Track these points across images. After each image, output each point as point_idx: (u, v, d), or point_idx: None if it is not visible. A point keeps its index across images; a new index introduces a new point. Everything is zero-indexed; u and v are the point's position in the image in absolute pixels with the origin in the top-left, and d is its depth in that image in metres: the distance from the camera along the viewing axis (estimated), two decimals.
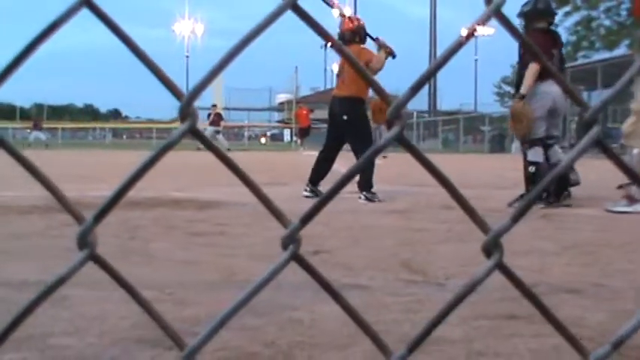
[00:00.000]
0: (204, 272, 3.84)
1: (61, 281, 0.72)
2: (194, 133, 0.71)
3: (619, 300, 3.26)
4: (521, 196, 7.47)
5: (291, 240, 0.75)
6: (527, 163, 7.65)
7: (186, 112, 0.70)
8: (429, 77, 0.77)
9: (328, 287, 0.77)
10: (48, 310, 2.69)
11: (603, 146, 0.77)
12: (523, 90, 7.50)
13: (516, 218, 0.75)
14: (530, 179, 7.52)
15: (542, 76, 7.33)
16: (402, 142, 0.74)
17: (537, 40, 7.51)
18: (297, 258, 0.75)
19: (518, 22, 8.05)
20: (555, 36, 8.22)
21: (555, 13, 8.62)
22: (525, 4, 8.01)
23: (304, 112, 40.76)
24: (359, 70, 0.77)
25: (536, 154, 7.53)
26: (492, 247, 0.76)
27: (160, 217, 6.27)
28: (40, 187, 0.78)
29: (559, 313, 2.93)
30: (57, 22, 0.67)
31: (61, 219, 5.41)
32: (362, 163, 0.78)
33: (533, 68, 7.32)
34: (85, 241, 0.73)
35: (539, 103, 7.54)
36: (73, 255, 0.78)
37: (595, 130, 0.76)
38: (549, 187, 7.21)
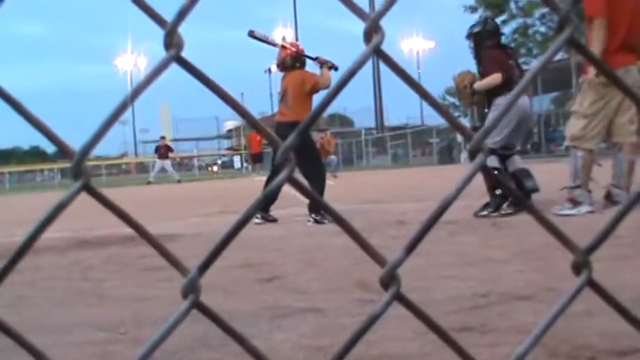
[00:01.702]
0: (159, 308, 3.79)
1: None
2: (88, 190, 0.71)
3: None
4: (486, 204, 7.57)
5: (191, 289, 0.75)
6: (487, 171, 7.74)
7: (78, 171, 0.69)
8: (322, 109, 0.77)
9: (234, 334, 0.76)
10: None
11: (487, 170, 0.79)
12: (476, 85, 7.87)
13: (410, 249, 0.76)
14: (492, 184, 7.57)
15: (506, 88, 7.56)
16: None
17: (495, 55, 7.87)
18: (199, 306, 0.74)
19: (467, 44, 8.32)
20: (508, 49, 8.70)
21: (502, 32, 8.95)
22: (473, 25, 8.35)
23: (257, 138, 40.77)
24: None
25: (492, 161, 7.61)
26: (389, 280, 0.76)
27: (112, 255, 6.20)
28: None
29: (511, 321, 2.95)
30: (155, 72, 0.67)
31: None
32: (258, 201, 0.78)
33: (496, 78, 7.63)
34: None
35: (506, 117, 7.66)
36: None
37: (480, 159, 0.77)
38: (508, 196, 7.32)
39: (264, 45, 8.99)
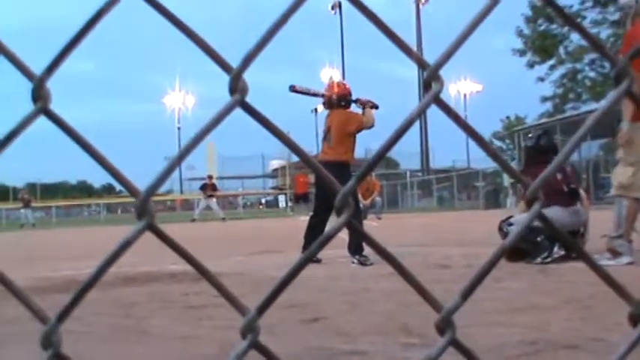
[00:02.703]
0: (201, 346, 3.80)
1: None
2: (152, 229, 0.72)
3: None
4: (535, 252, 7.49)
5: (249, 329, 0.75)
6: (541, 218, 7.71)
7: (143, 210, 0.70)
8: (381, 156, 0.78)
9: None
10: None
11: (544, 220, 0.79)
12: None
13: (466, 294, 0.76)
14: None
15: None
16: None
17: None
18: (258, 347, 0.75)
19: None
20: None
21: (558, 150, 8.66)
22: (529, 137, 8.35)
23: (302, 179, 40.95)
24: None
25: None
26: (445, 325, 0.76)
27: (155, 292, 6.23)
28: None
29: None
30: (215, 121, 0.69)
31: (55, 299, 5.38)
32: (320, 243, 0.79)
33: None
34: (49, 341, 0.72)
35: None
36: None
37: (536, 207, 0.77)
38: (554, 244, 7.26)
39: (308, 97, 9.07)
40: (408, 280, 0.76)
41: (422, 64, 0.74)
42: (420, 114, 0.74)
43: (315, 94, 9.12)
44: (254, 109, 0.70)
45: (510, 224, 7.81)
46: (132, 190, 0.72)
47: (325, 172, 0.78)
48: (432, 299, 0.76)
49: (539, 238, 7.33)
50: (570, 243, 0.96)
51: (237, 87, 0.70)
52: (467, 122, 0.76)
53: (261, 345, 0.74)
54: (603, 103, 0.87)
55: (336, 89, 9.06)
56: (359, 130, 8.78)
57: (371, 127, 8.76)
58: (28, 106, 0.69)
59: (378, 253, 0.78)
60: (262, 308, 0.74)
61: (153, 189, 0.71)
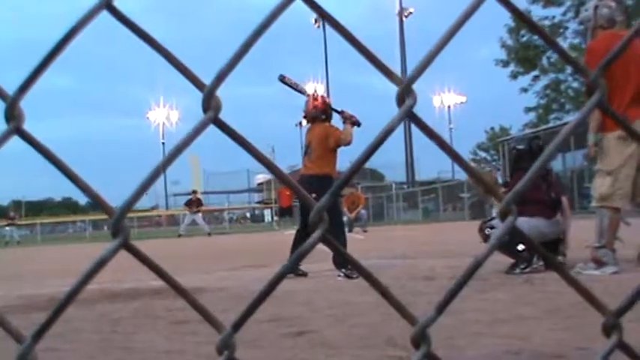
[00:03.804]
0: None
1: None
2: (127, 247, 0.72)
3: None
4: (515, 263, 7.50)
5: (225, 346, 0.75)
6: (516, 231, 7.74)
7: (117, 229, 0.71)
8: (355, 171, 0.78)
9: None
10: None
11: (518, 233, 0.80)
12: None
13: (441, 308, 0.76)
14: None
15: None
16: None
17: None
18: None
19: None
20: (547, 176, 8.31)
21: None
22: (520, 140, 8.47)
23: (287, 192, 40.89)
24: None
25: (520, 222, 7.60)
26: (420, 339, 0.77)
27: (139, 308, 6.21)
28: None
29: None
30: (193, 134, 0.69)
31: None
32: (294, 259, 0.79)
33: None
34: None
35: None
36: None
37: (510, 220, 0.78)
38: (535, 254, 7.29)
39: (294, 92, 9.03)
40: (383, 294, 0.77)
41: (394, 79, 0.74)
42: (393, 129, 0.75)
43: (300, 92, 9.11)
44: (227, 126, 0.71)
45: (492, 227, 7.83)
46: (106, 209, 0.72)
47: (300, 189, 0.79)
48: (406, 313, 0.76)
49: (519, 248, 7.37)
50: (546, 256, 0.97)
51: (210, 105, 0.70)
52: (441, 137, 0.77)
53: None
54: (577, 115, 0.88)
55: (315, 103, 9.04)
56: (337, 146, 8.75)
57: (348, 144, 8.67)
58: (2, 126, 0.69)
59: (354, 267, 0.79)
60: (238, 324, 0.74)
61: (125, 208, 0.71)
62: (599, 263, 6.90)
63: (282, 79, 8.90)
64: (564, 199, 8.03)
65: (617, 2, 7.33)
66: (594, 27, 7.26)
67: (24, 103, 0.72)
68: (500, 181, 8.32)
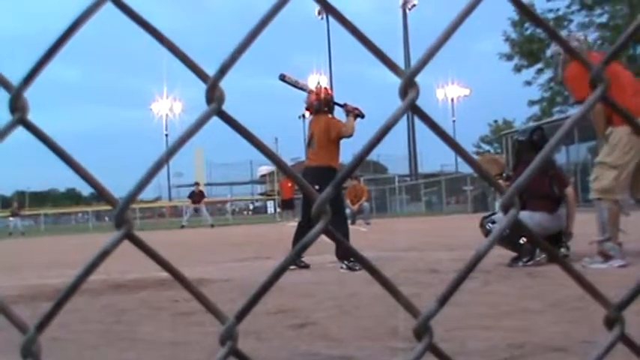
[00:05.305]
0: (191, 352, 3.80)
1: None
2: (130, 238, 0.72)
3: (607, 357, 3.25)
4: (517, 256, 7.50)
5: (228, 336, 0.76)
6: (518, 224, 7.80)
7: (121, 220, 0.71)
8: (357, 164, 0.79)
9: None
10: None
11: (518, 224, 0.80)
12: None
13: (443, 301, 0.77)
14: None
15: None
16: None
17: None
18: (236, 353, 0.75)
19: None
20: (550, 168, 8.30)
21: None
22: (522, 132, 8.48)
23: (289, 184, 40.76)
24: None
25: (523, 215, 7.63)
26: (422, 331, 0.77)
27: (145, 299, 6.22)
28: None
29: None
30: (197, 126, 0.69)
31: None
32: (296, 251, 0.79)
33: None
34: (28, 350, 0.72)
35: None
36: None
37: (512, 213, 0.78)
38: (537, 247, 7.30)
39: (295, 89, 9.05)
40: (386, 286, 0.77)
41: (397, 72, 0.74)
42: (396, 122, 0.75)
43: (302, 88, 9.10)
44: (231, 118, 0.71)
45: (493, 222, 7.83)
46: (110, 200, 0.72)
47: (303, 181, 0.79)
48: (409, 305, 0.76)
49: (521, 241, 7.38)
50: (548, 249, 0.97)
51: (213, 96, 0.70)
52: (444, 130, 0.77)
53: (240, 352, 0.74)
54: (580, 109, 0.88)
55: (318, 95, 9.03)
56: (339, 138, 8.74)
57: (349, 136, 8.66)
58: (7, 116, 0.69)
59: (356, 260, 0.79)
60: (241, 315, 0.75)
61: (129, 199, 0.71)
62: (606, 257, 6.89)
63: (283, 78, 8.89)
64: (570, 190, 8.03)
65: (584, 36, 7.52)
66: (564, 60, 7.34)
67: (28, 94, 0.72)
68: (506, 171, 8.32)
